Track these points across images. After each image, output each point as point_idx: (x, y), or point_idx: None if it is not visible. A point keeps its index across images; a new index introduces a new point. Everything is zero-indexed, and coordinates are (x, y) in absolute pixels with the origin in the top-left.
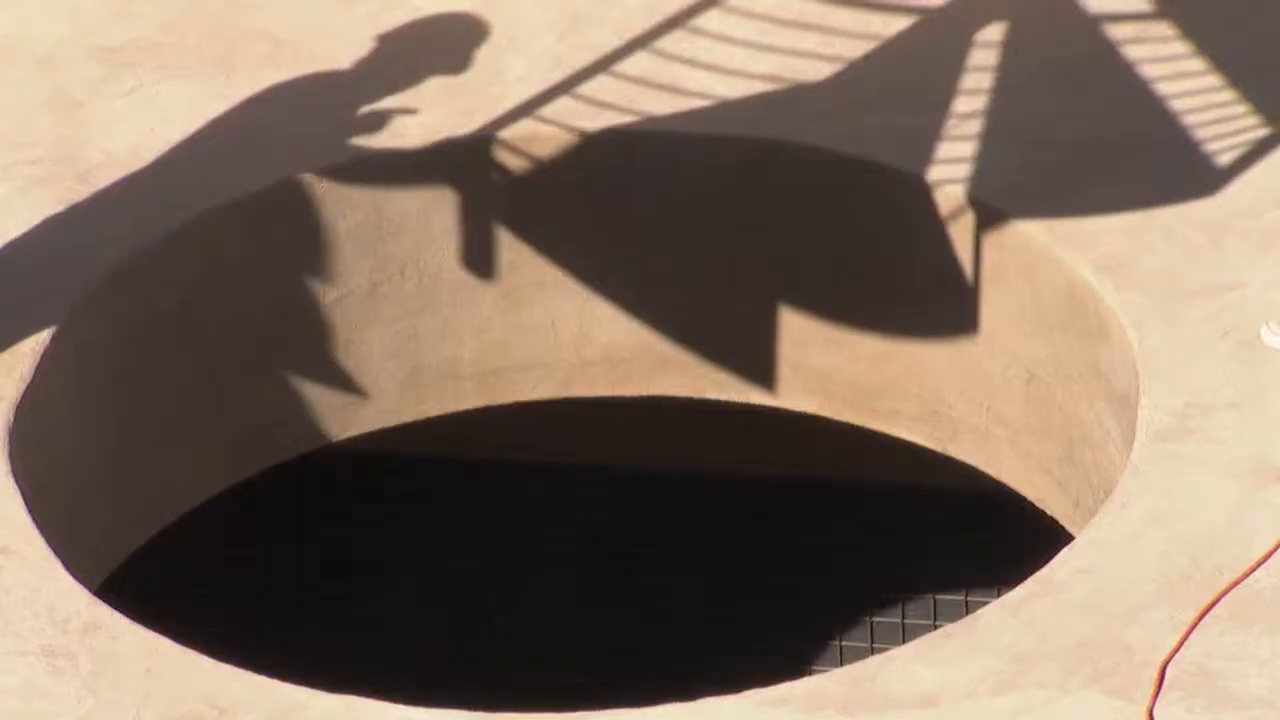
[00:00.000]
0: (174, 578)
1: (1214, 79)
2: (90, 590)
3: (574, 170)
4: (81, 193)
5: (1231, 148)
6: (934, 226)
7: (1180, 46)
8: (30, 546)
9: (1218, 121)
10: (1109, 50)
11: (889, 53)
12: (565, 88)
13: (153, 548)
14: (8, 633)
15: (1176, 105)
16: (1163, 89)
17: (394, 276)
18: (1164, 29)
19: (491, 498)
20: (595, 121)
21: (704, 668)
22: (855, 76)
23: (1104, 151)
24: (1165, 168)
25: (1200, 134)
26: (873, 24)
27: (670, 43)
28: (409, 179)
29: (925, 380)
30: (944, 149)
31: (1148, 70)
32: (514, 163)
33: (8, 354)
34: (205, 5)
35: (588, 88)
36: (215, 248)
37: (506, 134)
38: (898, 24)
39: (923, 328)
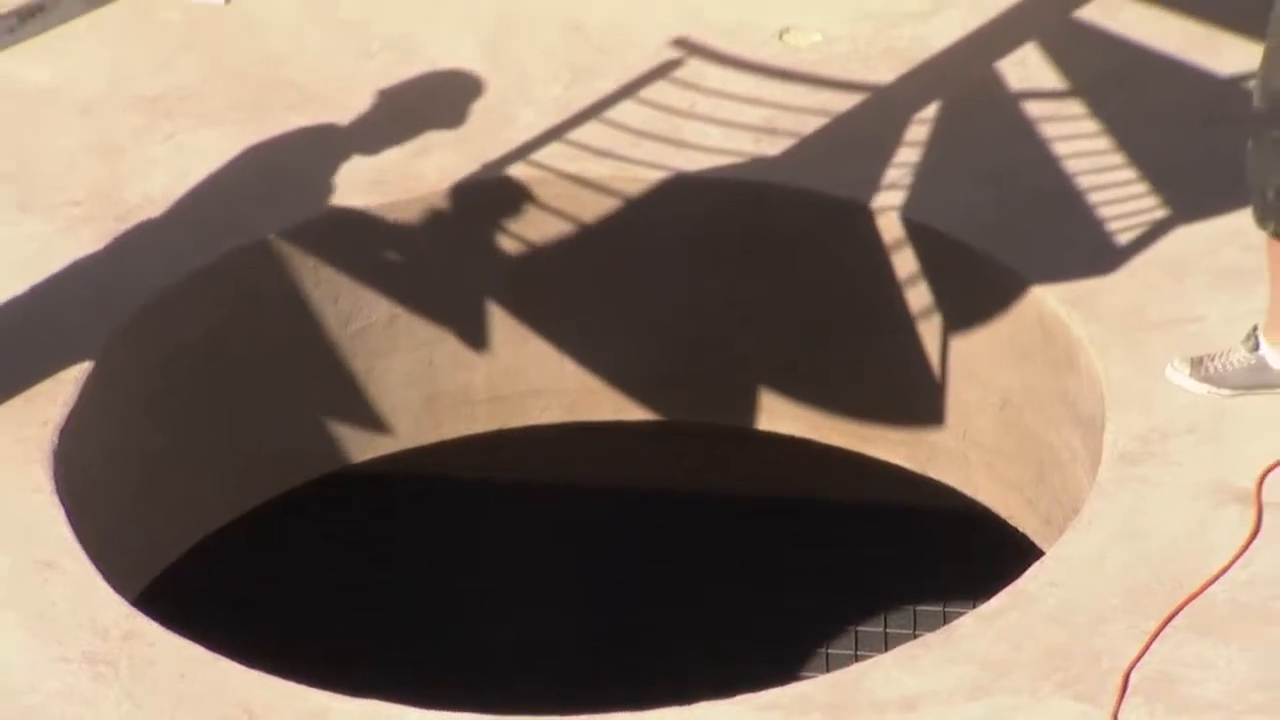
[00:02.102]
0: (207, 589)
1: (1174, 129)
2: (129, 601)
3: (579, 210)
4: (120, 231)
5: (1189, 192)
6: (914, 263)
7: (1143, 99)
8: (73, 560)
9: (1178, 167)
10: (1077, 100)
11: (872, 103)
12: (571, 134)
13: (187, 560)
14: (52, 641)
15: (1139, 152)
16: (1126, 137)
17: (411, 309)
18: (1127, 84)
19: (502, 514)
20: (599, 166)
21: (699, 674)
22: (841, 125)
23: (1072, 194)
24: (1129, 209)
25: (1161, 178)
26: (856, 74)
27: (669, 94)
28: (425, 218)
29: (906, 406)
30: (924, 192)
31: (1112, 119)
32: (522, 203)
33: (51, 381)
34: (237, 58)
35: (592, 134)
36: (243, 282)
37: (516, 176)
38: (880, 77)
39: (904, 357)
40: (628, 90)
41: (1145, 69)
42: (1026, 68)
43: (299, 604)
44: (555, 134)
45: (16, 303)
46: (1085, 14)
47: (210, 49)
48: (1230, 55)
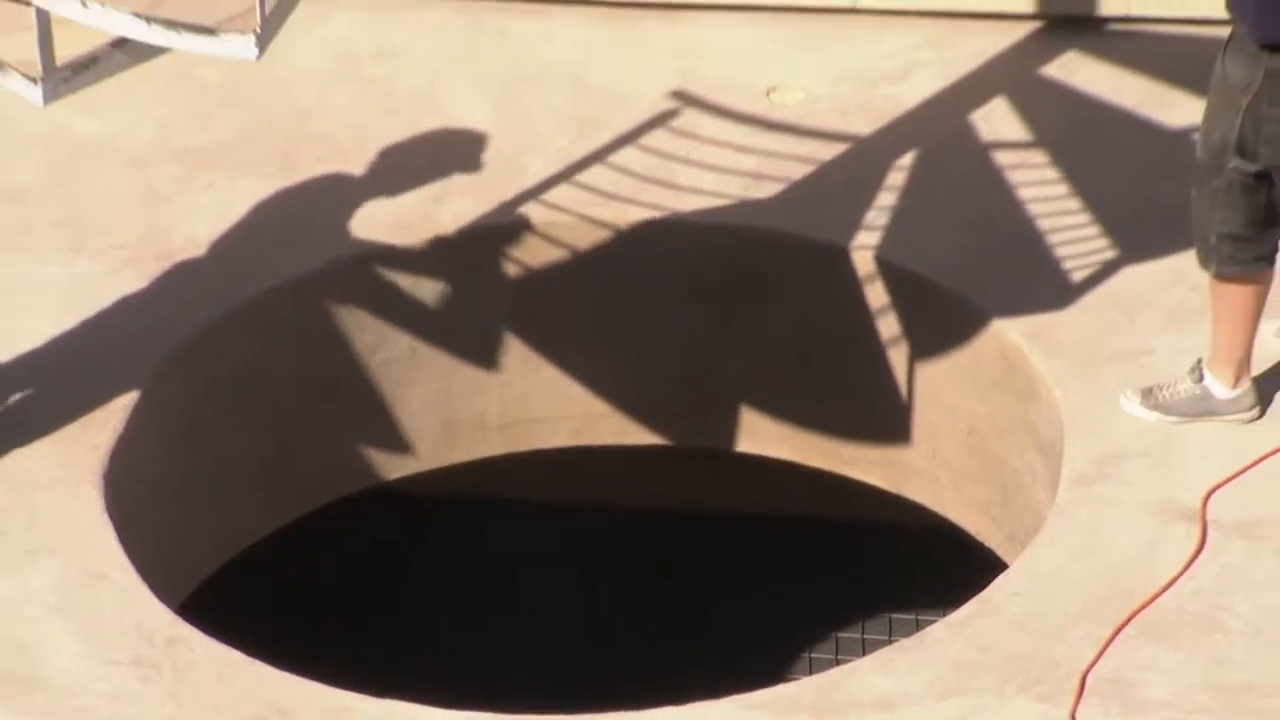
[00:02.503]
0: (244, 598)
1: (1127, 179)
2: (172, 609)
3: (584, 249)
4: (164, 272)
5: (1141, 236)
6: (888, 300)
7: (1098, 151)
8: (121, 572)
9: (1130, 213)
10: (1039, 151)
11: (851, 154)
12: (576, 180)
13: (226, 572)
14: (102, 646)
15: (1095, 200)
16: (1083, 186)
17: (430, 342)
18: (1084, 138)
19: (513, 530)
20: (602, 209)
21: (693, 677)
22: (823, 174)
23: (1034, 237)
24: (1085, 251)
25: (1115, 224)
26: (836, 129)
27: (667, 143)
28: (442, 259)
29: (882, 431)
30: (898, 235)
31: (1071, 169)
32: (532, 245)
33: (102, 409)
34: (271, 113)
35: (596, 180)
36: (277, 318)
37: (525, 219)
38: (858, 131)
39: (880, 387)
40: (629, 140)
41: (1101, 124)
42: (992, 122)
43: (327, 611)
44: (562, 180)
45: (70, 337)
46: (1047, 72)
47: (246, 104)
48: (1178, 111)
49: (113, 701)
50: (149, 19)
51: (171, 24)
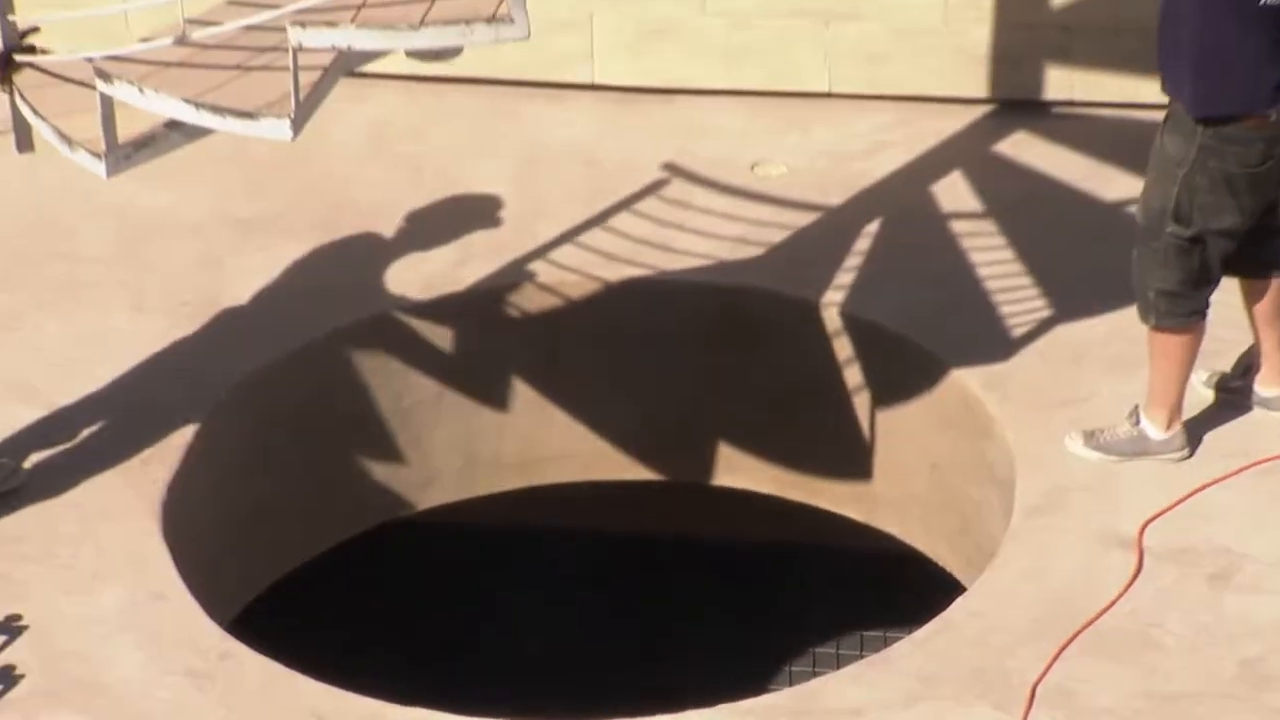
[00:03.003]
0: (287, 616)
1: (1073, 242)
2: (222, 627)
3: (590, 304)
4: (220, 326)
5: (1086, 293)
6: (860, 351)
7: (1048, 218)
8: (177, 593)
9: (1076, 273)
10: (993, 219)
11: (826, 222)
12: (583, 245)
13: (271, 593)
14: (160, 658)
15: (1045, 261)
16: (1034, 249)
17: (453, 388)
18: (1035, 206)
19: (527, 556)
20: (605, 270)
21: (686, 687)
22: (801, 239)
23: (990, 295)
24: (1035, 308)
25: (1062, 283)
26: (813, 199)
27: (664, 211)
28: (464, 314)
29: (853, 468)
30: (868, 293)
31: (1023, 234)
32: (543, 301)
33: (161, 446)
34: (314, 184)
35: (600, 245)
36: (318, 367)
37: (538, 279)
38: (832, 201)
39: (852, 428)
40: (629, 208)
41: (1047, 195)
42: (950, 193)
43: (361, 627)
44: (569, 243)
45: (133, 383)
46: (999, 149)
47: (292, 177)
48: (1115, 184)
49: (170, 708)
50: (197, 104)
51: (217, 109)
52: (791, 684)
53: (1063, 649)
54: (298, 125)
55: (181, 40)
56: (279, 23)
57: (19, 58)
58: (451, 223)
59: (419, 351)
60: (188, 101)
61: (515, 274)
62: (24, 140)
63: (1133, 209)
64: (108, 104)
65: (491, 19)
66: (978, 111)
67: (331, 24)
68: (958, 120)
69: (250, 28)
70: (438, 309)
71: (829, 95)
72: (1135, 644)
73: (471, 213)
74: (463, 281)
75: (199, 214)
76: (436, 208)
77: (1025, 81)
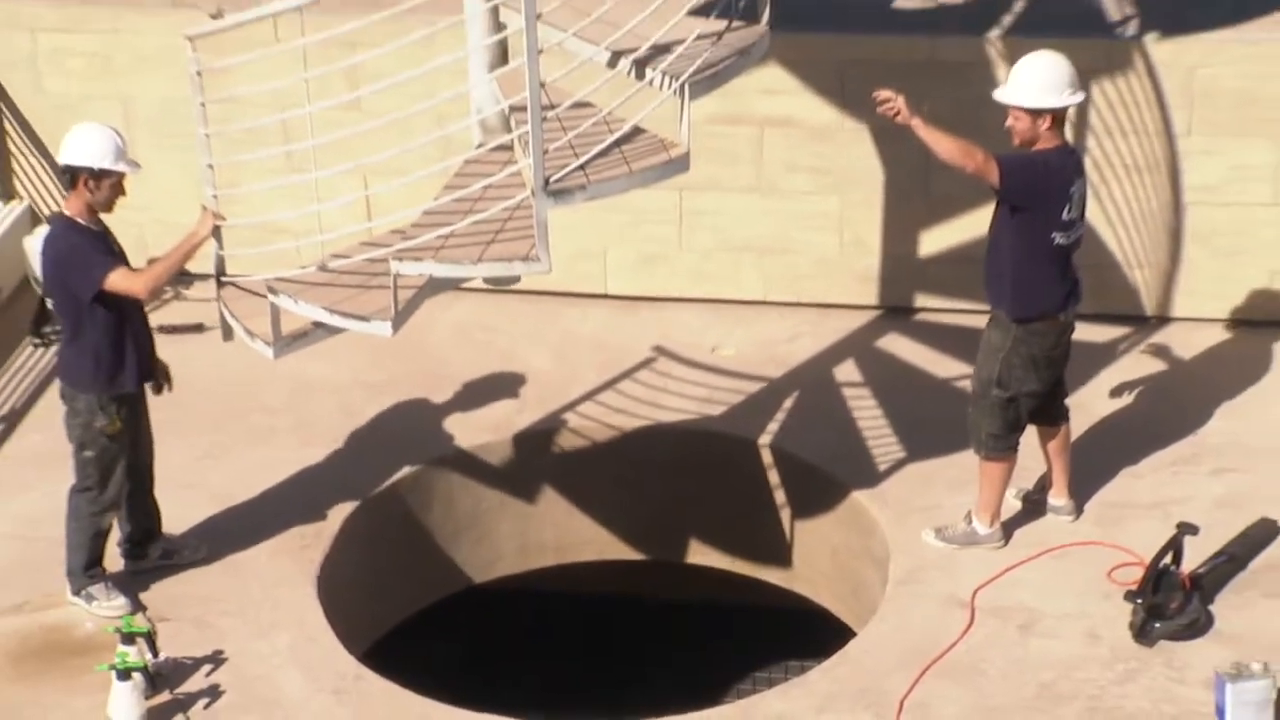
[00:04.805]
0: (399, 653)
1: (930, 401)
2: (357, 658)
3: (603, 443)
4: (357, 457)
5: (941, 438)
6: (787, 475)
7: (918, 387)
8: (325, 636)
9: (931, 423)
10: (874, 386)
11: (763, 387)
12: (599, 402)
13: (387, 636)
14: (314, 681)
15: (908, 416)
16: (901, 409)
17: (511, 496)
18: (905, 380)
19: (562, 612)
20: (615, 419)
21: (659, 706)
22: (747, 398)
23: (876, 438)
24: (901, 448)
25: (925, 432)
26: (754, 370)
27: (652, 378)
28: (518, 446)
29: (782, 552)
30: (791, 433)
31: (894, 398)
32: (573, 439)
33: (316, 535)
34: (419, 360)
35: (610, 402)
36: (419, 484)
37: (569, 425)
38: (768, 373)
39: (779, 525)
40: (630, 378)
41: (912, 370)
42: (847, 369)
43: (447, 661)
44: (590, 401)
45: (298, 493)
46: (879, 343)
47: (404, 355)
48: (953, 366)
49: (321, 716)
50: (331, 310)
51: (344, 313)
52: (737, 699)
53: (921, 675)
54: (396, 325)
55: (323, 268)
56: (387, 256)
57: (224, 279)
58: (510, 386)
59: (488, 472)
60: (325, 309)
61: (553, 421)
62: (227, 333)
63: (967, 381)
64: (275, 311)
65: (525, 258)
66: (866, 315)
67: (418, 259)
68: (852, 320)
69: (369, 259)
70: (501, 444)
71: (764, 302)
72: (969, 672)
73: (524, 380)
74: (518, 426)
75: (342, 379)
76: (500, 376)
77: (897, 295)
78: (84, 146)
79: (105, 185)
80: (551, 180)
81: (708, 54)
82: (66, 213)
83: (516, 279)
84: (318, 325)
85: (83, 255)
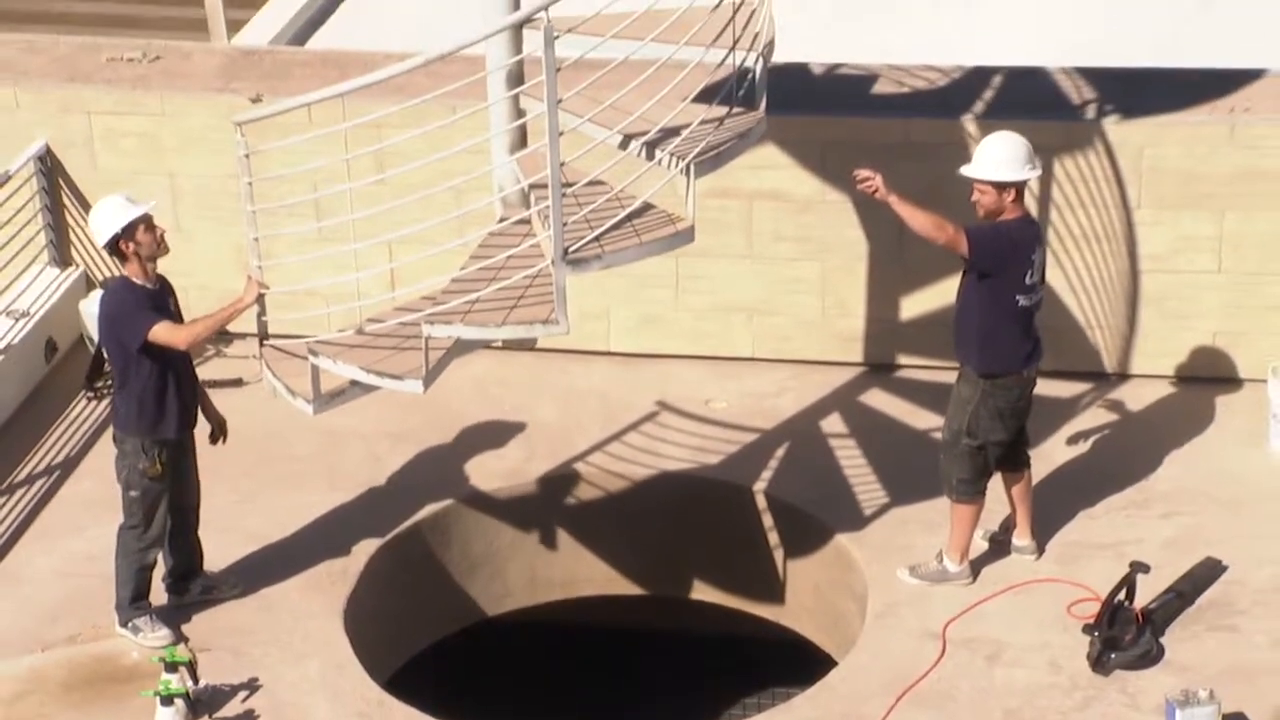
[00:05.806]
0: (421, 679)
1: (905, 452)
2: (380, 685)
3: (608, 489)
4: (379, 504)
5: (911, 482)
6: (777, 517)
7: (887, 437)
8: (352, 664)
9: (906, 470)
10: (854, 438)
11: (755, 438)
12: (604, 451)
13: (405, 666)
14: (341, 706)
15: (886, 460)
16: (879, 453)
17: (522, 534)
18: (880, 431)
19: (567, 643)
20: (618, 466)
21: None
22: (740, 447)
23: (858, 486)
24: (882, 493)
25: (900, 479)
26: (744, 421)
27: (652, 430)
28: (530, 491)
29: (770, 589)
30: (783, 482)
31: (876, 448)
32: (580, 485)
33: (342, 572)
34: (439, 412)
35: (614, 451)
36: (437, 525)
37: (577, 472)
38: (758, 425)
39: (771, 563)
40: (632, 428)
41: (891, 424)
42: (831, 421)
43: (458, 688)
44: (595, 451)
45: (326, 534)
46: (861, 398)
47: (425, 408)
48: (929, 418)
49: None
50: (367, 370)
51: (379, 373)
52: None
53: (897, 701)
54: (427, 383)
55: (360, 331)
56: (419, 320)
57: (266, 342)
58: (522, 436)
59: (501, 514)
60: (362, 368)
61: (561, 467)
62: (268, 390)
63: (939, 432)
64: (315, 371)
65: (545, 321)
66: (847, 371)
67: (448, 323)
68: (834, 376)
69: (402, 323)
70: (512, 489)
71: (753, 359)
72: (941, 699)
73: (535, 430)
74: (528, 473)
75: (367, 429)
76: (512, 426)
77: (874, 353)
78: (103, 222)
79: (138, 234)
80: (570, 250)
81: (710, 137)
82: (124, 273)
83: (535, 340)
84: (354, 384)
85: (131, 309)
